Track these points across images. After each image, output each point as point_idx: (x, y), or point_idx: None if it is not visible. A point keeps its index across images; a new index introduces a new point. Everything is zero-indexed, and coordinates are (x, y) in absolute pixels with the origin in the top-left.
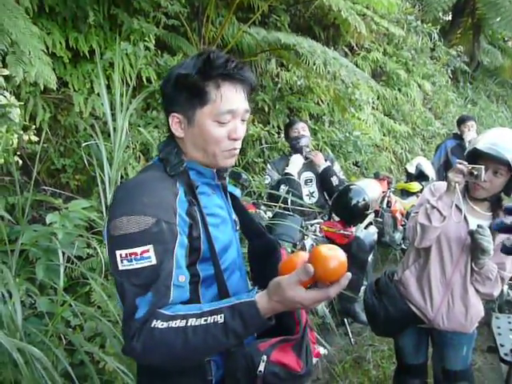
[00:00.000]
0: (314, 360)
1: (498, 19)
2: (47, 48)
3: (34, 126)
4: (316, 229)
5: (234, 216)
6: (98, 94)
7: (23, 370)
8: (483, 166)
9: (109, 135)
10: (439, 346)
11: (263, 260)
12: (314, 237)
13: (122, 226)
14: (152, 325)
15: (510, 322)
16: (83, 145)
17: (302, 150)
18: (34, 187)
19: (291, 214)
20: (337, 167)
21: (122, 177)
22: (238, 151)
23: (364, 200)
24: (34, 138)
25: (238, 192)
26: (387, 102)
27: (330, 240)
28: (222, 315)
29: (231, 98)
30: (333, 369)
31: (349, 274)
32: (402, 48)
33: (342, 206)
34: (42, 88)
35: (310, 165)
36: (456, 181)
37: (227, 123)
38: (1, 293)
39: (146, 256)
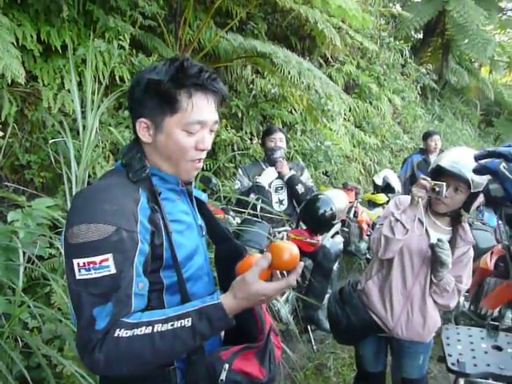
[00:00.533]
0: None
1: (465, 41)
2: (17, 40)
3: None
4: (283, 236)
5: (200, 221)
6: (69, 91)
7: None
8: (445, 183)
9: (78, 133)
10: (397, 354)
11: (229, 265)
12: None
13: (81, 233)
14: (115, 334)
15: (458, 333)
16: (50, 141)
17: (276, 162)
18: None
19: (259, 220)
20: (306, 175)
21: (89, 176)
22: (201, 163)
23: (331, 210)
24: (0, 133)
25: (204, 196)
26: (358, 114)
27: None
28: (190, 319)
29: (202, 109)
30: (295, 376)
31: (302, 263)
32: (374, 62)
33: (309, 214)
34: (10, 81)
35: (281, 173)
36: (419, 196)
37: (195, 133)
38: None
39: (106, 265)
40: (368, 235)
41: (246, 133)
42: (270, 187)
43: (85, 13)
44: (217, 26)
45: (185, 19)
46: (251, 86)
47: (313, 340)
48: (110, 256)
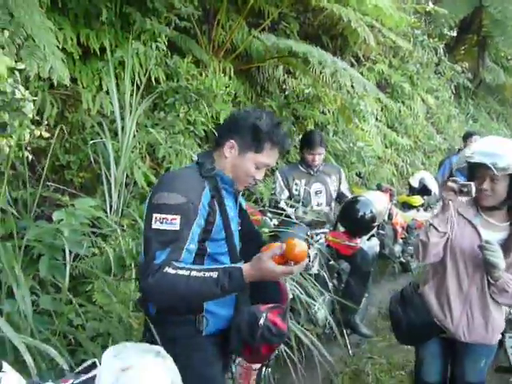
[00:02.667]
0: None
1: (502, 38)
2: (58, 43)
3: (46, 122)
4: (321, 238)
5: (238, 219)
6: (107, 92)
7: (31, 368)
8: (472, 183)
9: (115, 134)
10: (460, 356)
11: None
12: (319, 246)
13: (164, 197)
14: (165, 270)
15: None
16: (90, 142)
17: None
18: (37, 182)
19: (297, 222)
20: (344, 183)
21: (127, 176)
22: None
23: (371, 212)
24: (46, 134)
25: (244, 203)
26: (391, 114)
27: (334, 250)
28: (217, 273)
29: (273, 158)
30: (331, 380)
31: (307, 259)
32: (407, 61)
33: (348, 217)
34: (56, 83)
35: (320, 177)
36: (449, 198)
37: (261, 169)
38: (7, 288)
39: (174, 222)
40: (402, 238)
41: None
42: (310, 189)
43: (121, 15)
44: (249, 26)
45: (218, 20)
46: (283, 86)
47: (349, 344)
48: (178, 217)
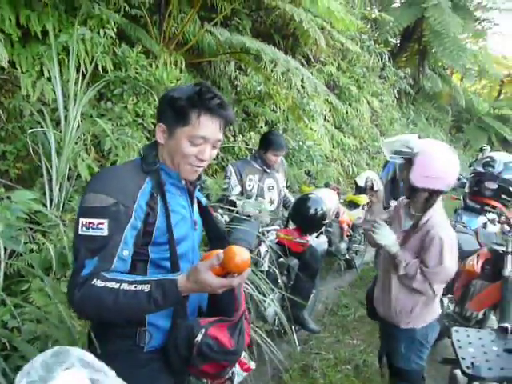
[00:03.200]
0: (244, 374)
1: (441, 48)
2: None
3: None
4: (272, 235)
5: (195, 217)
6: (48, 79)
7: None
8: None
9: (57, 124)
10: (385, 338)
11: None
12: (269, 243)
13: (90, 200)
14: (93, 282)
15: (468, 336)
16: (29, 131)
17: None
18: None
19: (248, 219)
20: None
21: (70, 169)
22: (201, 169)
23: (322, 210)
24: None
25: (203, 200)
26: (338, 115)
27: (284, 247)
28: (149, 285)
29: (207, 127)
30: (280, 377)
31: (249, 269)
32: (354, 65)
33: (299, 214)
34: None
35: (272, 173)
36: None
37: (198, 145)
38: None
39: (101, 227)
40: (348, 236)
41: (230, 130)
42: (263, 185)
43: None
44: (201, 19)
45: (170, 11)
46: (235, 82)
47: (297, 340)
48: (105, 221)
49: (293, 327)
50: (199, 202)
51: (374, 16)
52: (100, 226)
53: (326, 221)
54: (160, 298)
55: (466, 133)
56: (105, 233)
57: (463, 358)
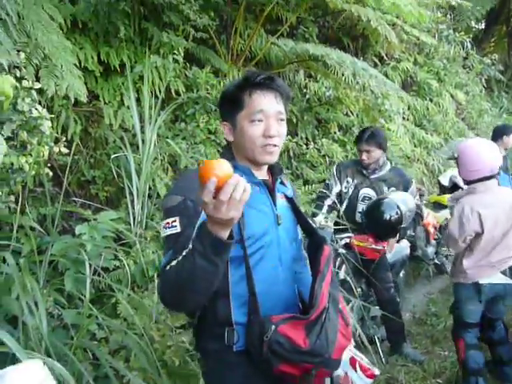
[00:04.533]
0: (368, 381)
1: None
2: (80, 62)
3: (64, 138)
4: (345, 242)
5: (278, 211)
6: (128, 107)
7: None
8: None
9: (138, 147)
10: None
11: (313, 254)
12: (344, 251)
13: (165, 202)
14: (164, 270)
15: None
16: (112, 156)
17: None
18: (64, 198)
19: (322, 226)
20: (413, 188)
21: (149, 188)
22: (276, 148)
23: (397, 214)
24: (64, 150)
25: (289, 192)
26: (418, 112)
27: (360, 254)
28: (192, 243)
29: (260, 101)
30: None
31: (213, 179)
32: (433, 57)
33: (373, 219)
34: (73, 101)
35: (375, 182)
36: None
37: (260, 122)
38: (27, 304)
39: (175, 225)
40: (435, 239)
41: (302, 138)
42: (358, 193)
43: (140, 31)
44: (267, 33)
45: (235, 29)
46: (304, 90)
47: (381, 352)
48: (177, 218)
49: (376, 337)
50: (287, 197)
51: (451, 3)
52: (174, 223)
53: (403, 225)
54: (200, 246)
55: None
56: (178, 229)
57: None
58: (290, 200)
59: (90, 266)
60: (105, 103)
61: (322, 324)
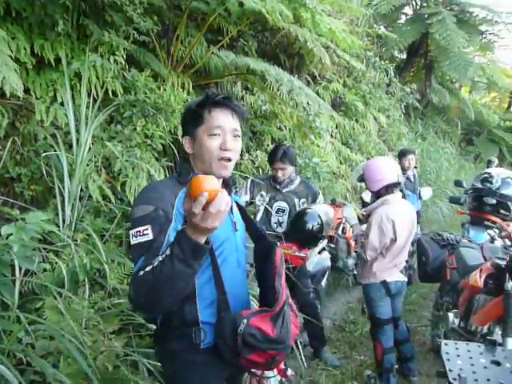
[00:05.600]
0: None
1: (447, 62)
2: (11, 53)
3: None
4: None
5: (235, 219)
6: (61, 104)
7: None
8: None
9: (70, 147)
10: None
11: (263, 259)
12: None
13: (134, 212)
14: (138, 275)
15: (457, 349)
16: (43, 154)
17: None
18: None
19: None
20: (321, 198)
21: (81, 190)
22: (229, 163)
23: (318, 224)
24: None
25: (241, 201)
26: (345, 131)
27: (285, 261)
28: (169, 248)
29: (219, 118)
30: None
31: (204, 194)
32: (360, 81)
33: (297, 228)
34: (7, 94)
35: (287, 195)
36: None
37: (218, 137)
38: None
39: (146, 233)
40: (355, 251)
41: None
42: (271, 207)
43: (78, 27)
44: (208, 42)
45: (177, 35)
46: (241, 102)
47: (303, 356)
48: (149, 226)
49: (299, 342)
50: (239, 205)
51: (378, 33)
52: (145, 231)
53: (323, 234)
54: (179, 251)
55: (477, 146)
56: (150, 237)
57: (451, 370)
58: (241, 209)
59: (20, 268)
60: (36, 98)
61: (283, 315)
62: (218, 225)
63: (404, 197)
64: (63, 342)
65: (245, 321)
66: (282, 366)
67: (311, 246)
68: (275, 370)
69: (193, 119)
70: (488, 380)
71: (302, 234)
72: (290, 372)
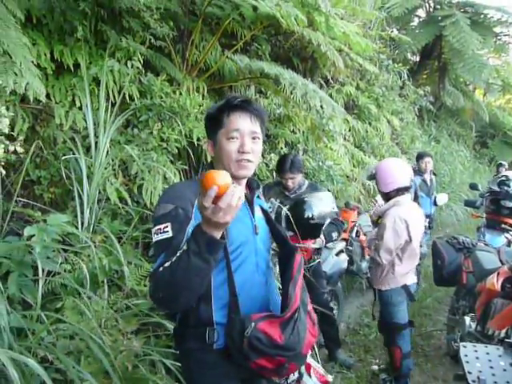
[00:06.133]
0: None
1: (461, 65)
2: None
3: (20, 138)
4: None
5: (256, 222)
6: (80, 108)
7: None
8: None
9: (88, 150)
10: None
11: (284, 262)
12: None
13: (156, 211)
14: (157, 271)
15: (476, 351)
16: (62, 158)
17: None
18: (6, 198)
19: None
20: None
21: (99, 192)
22: (249, 164)
23: (315, 211)
24: (20, 150)
25: (265, 205)
26: (358, 134)
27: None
28: (186, 244)
29: (236, 121)
30: None
31: (214, 187)
32: (373, 84)
33: (295, 218)
34: (31, 98)
35: (295, 200)
36: None
37: (236, 140)
38: None
39: (166, 230)
40: (369, 255)
41: None
42: (280, 213)
43: (96, 32)
44: (222, 47)
45: (192, 40)
46: None
47: (319, 359)
48: (169, 224)
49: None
50: (263, 210)
51: (391, 36)
52: (165, 229)
53: (315, 222)
54: (194, 246)
55: (491, 148)
56: (170, 234)
57: (470, 373)
58: (265, 212)
59: (42, 269)
60: (55, 102)
61: (294, 322)
62: (230, 219)
63: (417, 198)
64: (84, 341)
65: (252, 324)
66: (322, 372)
67: (309, 237)
68: (314, 378)
69: (213, 123)
70: (507, 382)
71: (296, 223)
72: (330, 378)
